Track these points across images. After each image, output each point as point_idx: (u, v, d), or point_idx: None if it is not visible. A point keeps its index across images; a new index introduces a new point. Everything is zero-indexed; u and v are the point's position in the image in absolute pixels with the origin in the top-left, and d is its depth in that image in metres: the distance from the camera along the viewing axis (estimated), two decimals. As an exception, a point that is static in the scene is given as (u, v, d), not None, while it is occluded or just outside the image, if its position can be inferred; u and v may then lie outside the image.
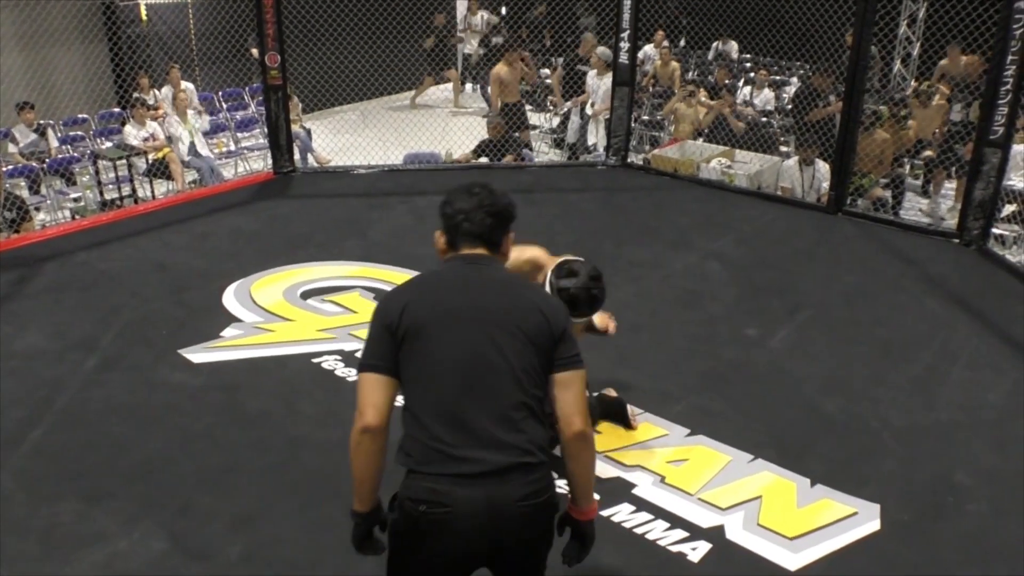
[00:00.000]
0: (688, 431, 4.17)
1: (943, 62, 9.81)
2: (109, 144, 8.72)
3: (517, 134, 9.05)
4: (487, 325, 2.19)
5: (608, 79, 8.85)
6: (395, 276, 5.77)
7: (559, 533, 2.36)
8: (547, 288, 3.54)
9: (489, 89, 9.91)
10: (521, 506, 2.16)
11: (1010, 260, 6.54)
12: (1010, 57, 6.05)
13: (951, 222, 7.24)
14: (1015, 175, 7.50)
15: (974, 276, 6.15)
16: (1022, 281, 6.07)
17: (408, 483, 2.20)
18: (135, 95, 8.89)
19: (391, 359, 2.19)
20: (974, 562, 3.41)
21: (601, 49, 9.47)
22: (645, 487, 3.75)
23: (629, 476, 3.84)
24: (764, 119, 10.19)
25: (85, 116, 9.31)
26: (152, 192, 8.21)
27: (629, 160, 8.52)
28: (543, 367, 2.22)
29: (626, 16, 7.83)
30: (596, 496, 2.44)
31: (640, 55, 10.11)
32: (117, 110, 9.51)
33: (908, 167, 8.63)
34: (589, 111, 9.43)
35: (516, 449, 2.15)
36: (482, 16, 13.53)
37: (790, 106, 9.46)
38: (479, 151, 8.63)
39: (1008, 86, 6.11)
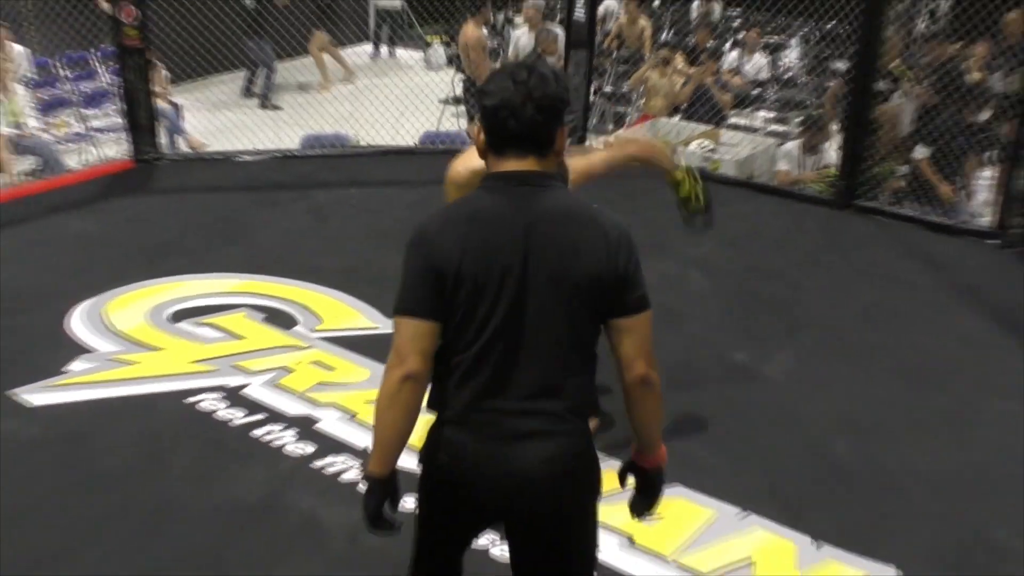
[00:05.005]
0: (663, 482, 4.25)
1: (1011, 16, 9.55)
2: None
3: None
4: (540, 280, 2.47)
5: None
6: (290, 292, 5.80)
7: (622, 484, 2.79)
8: None
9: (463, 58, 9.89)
10: (545, 469, 2.52)
11: None
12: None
13: (987, 219, 7.45)
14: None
15: (1017, 286, 6.34)
16: (1075, 292, 6.29)
17: (433, 431, 2.59)
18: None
19: (436, 303, 2.47)
20: (1015, 638, 3.55)
21: (532, 0, 9.62)
22: (611, 550, 3.81)
23: (590, 540, 3.90)
24: (756, 91, 10.40)
25: None
26: (-30, 187, 8.10)
27: (588, 142, 8.63)
28: (602, 314, 2.55)
29: (584, -39, 7.98)
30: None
31: (601, 10, 10.28)
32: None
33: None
34: None
35: (549, 417, 2.53)
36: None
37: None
38: None
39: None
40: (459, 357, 2.51)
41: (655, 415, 2.70)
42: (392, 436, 2.53)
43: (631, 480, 2.81)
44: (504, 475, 2.51)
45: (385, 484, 2.58)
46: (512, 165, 2.53)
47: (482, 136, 2.56)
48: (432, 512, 2.69)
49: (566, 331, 2.52)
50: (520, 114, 2.46)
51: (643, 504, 2.84)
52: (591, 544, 2.75)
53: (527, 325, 2.49)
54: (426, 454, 2.63)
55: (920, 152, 7.67)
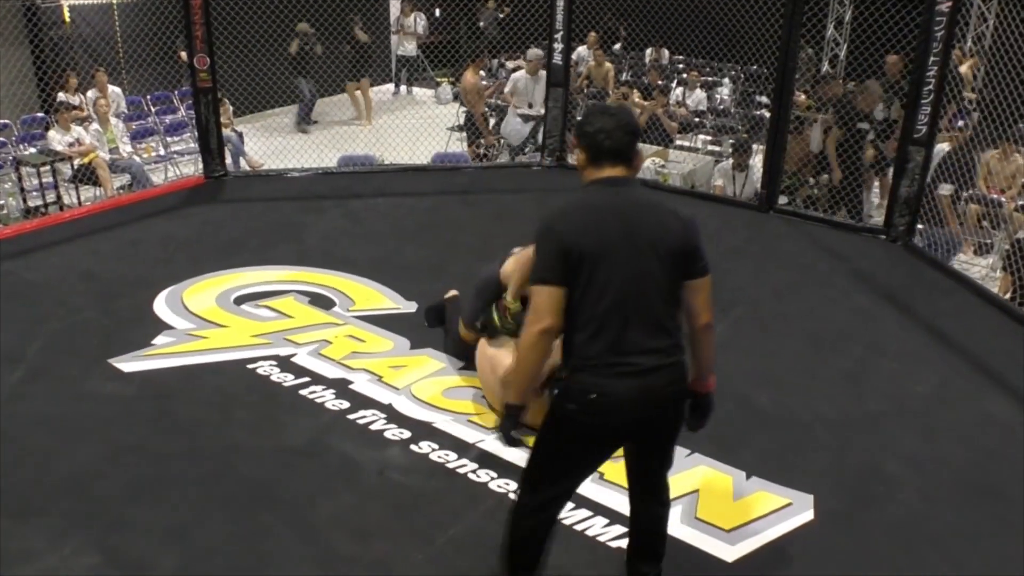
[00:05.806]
0: (626, 428, 4.20)
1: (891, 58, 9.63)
2: (32, 150, 8.50)
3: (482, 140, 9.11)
4: (639, 250, 2.65)
5: (541, 78, 8.91)
6: (330, 280, 5.73)
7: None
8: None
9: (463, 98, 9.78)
10: (667, 391, 2.73)
11: (934, 255, 6.74)
12: (932, 58, 6.22)
13: (878, 219, 7.41)
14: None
15: (900, 271, 6.31)
16: (946, 275, 6.25)
17: (577, 378, 2.69)
18: (60, 97, 8.65)
19: (564, 275, 2.64)
20: (906, 549, 3.50)
21: (533, 51, 9.49)
22: (584, 484, 3.74)
23: (568, 475, 3.86)
24: (697, 119, 10.35)
25: (6, 121, 9.05)
26: (78, 198, 8.02)
27: (565, 161, 8.56)
28: (681, 276, 2.72)
29: (559, 18, 7.87)
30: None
31: (574, 56, 10.19)
32: (40, 115, 9.27)
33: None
34: (530, 111, 9.40)
35: (662, 353, 2.70)
36: (416, 18, 13.49)
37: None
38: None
39: (931, 86, 6.28)
40: (589, 316, 2.65)
41: (712, 352, 2.87)
42: (530, 375, 2.77)
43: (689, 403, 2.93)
44: (644, 399, 2.69)
45: (520, 411, 2.87)
46: (608, 172, 2.74)
47: (582, 155, 2.79)
48: (571, 440, 2.77)
49: (664, 286, 2.68)
50: (614, 135, 2.72)
51: (697, 420, 2.98)
52: None
53: (637, 285, 2.65)
54: (571, 396, 2.71)
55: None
